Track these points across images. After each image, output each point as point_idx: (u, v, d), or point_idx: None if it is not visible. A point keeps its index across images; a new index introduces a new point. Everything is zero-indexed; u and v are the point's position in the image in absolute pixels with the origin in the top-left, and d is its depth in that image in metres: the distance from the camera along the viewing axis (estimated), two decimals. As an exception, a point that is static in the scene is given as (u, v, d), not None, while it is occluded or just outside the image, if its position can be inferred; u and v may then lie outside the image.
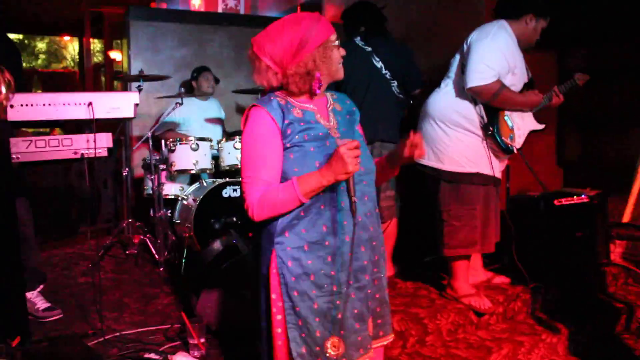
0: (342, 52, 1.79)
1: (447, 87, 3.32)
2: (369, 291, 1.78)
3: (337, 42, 1.76)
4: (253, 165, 1.69)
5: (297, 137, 1.70)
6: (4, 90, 1.60)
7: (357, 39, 3.62)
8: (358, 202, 1.68)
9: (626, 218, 3.83)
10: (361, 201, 1.74)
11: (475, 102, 3.18)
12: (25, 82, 5.96)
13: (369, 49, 3.58)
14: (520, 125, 3.31)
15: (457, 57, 3.33)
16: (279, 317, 1.70)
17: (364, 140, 1.89)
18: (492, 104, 3.14)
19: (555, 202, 3.58)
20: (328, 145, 1.72)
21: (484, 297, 3.29)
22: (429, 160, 3.31)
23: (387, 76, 3.60)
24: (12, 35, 17.12)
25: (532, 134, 3.41)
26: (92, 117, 2.74)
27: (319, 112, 1.79)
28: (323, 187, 1.65)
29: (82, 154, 2.80)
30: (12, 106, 2.59)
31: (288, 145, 1.70)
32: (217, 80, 5.18)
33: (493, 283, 3.59)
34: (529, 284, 3.41)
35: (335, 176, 1.61)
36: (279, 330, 1.70)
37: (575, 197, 3.62)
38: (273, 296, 1.71)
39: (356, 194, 1.68)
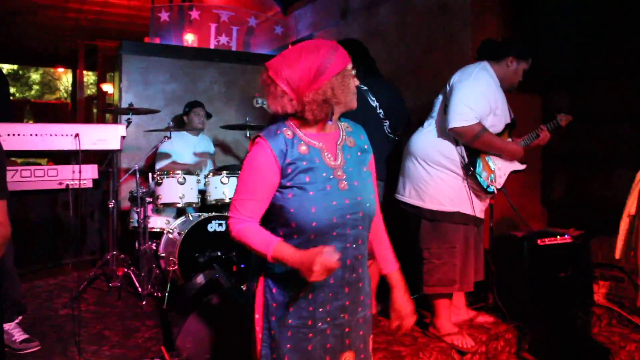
0: (356, 82, 1.77)
1: (429, 127, 3.38)
2: (347, 329, 1.81)
3: (353, 72, 1.76)
4: (244, 192, 1.72)
5: (298, 177, 1.69)
6: None
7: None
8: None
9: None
10: (355, 244, 1.77)
11: (456, 142, 3.23)
12: (14, 111, 5.95)
13: (365, 87, 3.63)
14: (501, 165, 3.36)
15: (440, 97, 3.40)
16: (260, 335, 1.77)
17: (372, 182, 1.88)
18: (472, 145, 3.19)
19: (539, 241, 3.61)
20: (329, 189, 1.71)
21: (467, 335, 3.28)
22: (410, 198, 3.35)
23: (381, 115, 3.65)
24: (6, 66, 17.25)
25: (515, 173, 3.46)
26: (78, 148, 2.77)
27: (327, 149, 1.76)
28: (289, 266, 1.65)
29: (67, 185, 2.81)
30: (-2, 136, 2.61)
31: (288, 184, 1.69)
32: (209, 116, 5.23)
33: (476, 322, 3.58)
34: (510, 323, 3.41)
35: (299, 269, 1.60)
36: (259, 347, 1.77)
37: (558, 237, 3.65)
38: (256, 316, 1.78)
39: (349, 240, 1.74)
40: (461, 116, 3.11)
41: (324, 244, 1.65)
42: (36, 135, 2.72)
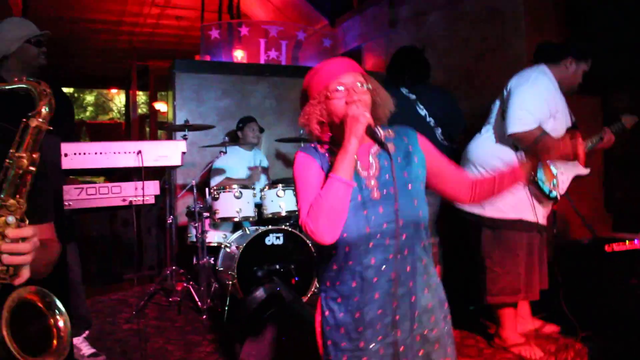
0: (350, 97, 1.67)
1: (487, 133, 3.31)
2: (402, 348, 1.67)
3: (334, 89, 1.69)
4: (303, 196, 1.66)
5: None
6: (45, 109, 1.36)
7: (403, 88, 3.65)
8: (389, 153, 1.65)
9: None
10: (400, 255, 1.66)
11: (516, 148, 3.15)
12: (76, 132, 6.14)
13: (414, 96, 3.60)
14: (564, 170, 3.25)
15: (497, 102, 3.33)
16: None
17: (419, 184, 1.75)
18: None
19: (607, 247, 3.47)
20: (360, 200, 1.65)
21: (535, 346, 3.18)
22: (470, 207, 3.28)
23: (431, 124, 3.61)
24: (64, 89, 17.97)
25: (577, 179, 3.35)
26: (141, 165, 2.83)
27: (359, 159, 1.71)
28: (351, 155, 1.60)
29: (131, 201, 2.87)
30: (66, 155, 2.70)
31: None
32: (261, 130, 5.28)
33: (542, 332, 3.47)
34: (579, 334, 3.28)
35: (353, 134, 1.60)
36: None
37: (627, 242, 3.50)
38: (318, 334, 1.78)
39: (390, 250, 1.65)
40: (520, 121, 3.03)
41: (360, 257, 1.64)
42: (101, 153, 2.79)
